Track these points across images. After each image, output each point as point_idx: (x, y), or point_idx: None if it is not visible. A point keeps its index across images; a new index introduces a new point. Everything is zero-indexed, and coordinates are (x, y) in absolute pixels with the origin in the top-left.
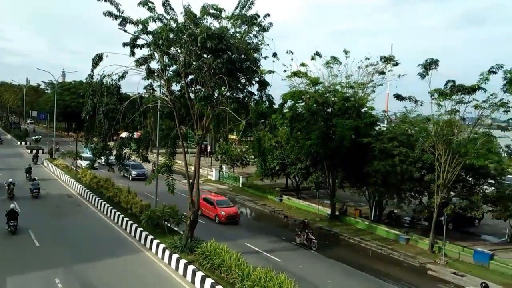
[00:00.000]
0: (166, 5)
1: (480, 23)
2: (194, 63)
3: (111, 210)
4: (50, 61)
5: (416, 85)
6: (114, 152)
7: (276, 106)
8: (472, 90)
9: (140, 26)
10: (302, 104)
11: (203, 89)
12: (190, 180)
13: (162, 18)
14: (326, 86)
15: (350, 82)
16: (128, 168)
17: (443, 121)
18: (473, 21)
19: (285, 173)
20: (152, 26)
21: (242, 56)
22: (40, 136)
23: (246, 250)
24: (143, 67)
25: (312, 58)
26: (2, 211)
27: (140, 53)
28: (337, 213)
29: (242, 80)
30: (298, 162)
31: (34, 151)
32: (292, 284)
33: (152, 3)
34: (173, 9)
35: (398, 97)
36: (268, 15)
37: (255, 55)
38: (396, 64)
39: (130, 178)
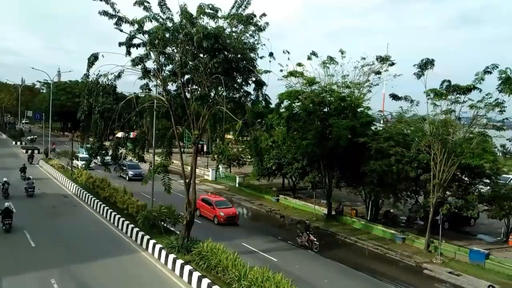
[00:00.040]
0: (162, 4)
1: (475, 23)
2: (190, 62)
3: (107, 210)
4: (45, 61)
5: (412, 85)
6: (110, 152)
7: (272, 106)
8: (467, 90)
9: (136, 26)
10: (299, 104)
11: (199, 89)
12: (187, 180)
13: (158, 17)
14: (323, 86)
15: (346, 82)
16: (124, 168)
17: (439, 121)
18: (468, 21)
19: (281, 173)
20: (148, 25)
21: (239, 55)
22: (36, 136)
23: (243, 250)
24: (139, 66)
25: (309, 58)
26: None
27: (136, 52)
28: (333, 212)
29: (238, 80)
30: (295, 162)
31: (30, 151)
32: (289, 284)
33: (148, 3)
34: (169, 9)
35: (394, 97)
36: (264, 14)
37: (252, 54)
38: (392, 64)
39: (127, 179)
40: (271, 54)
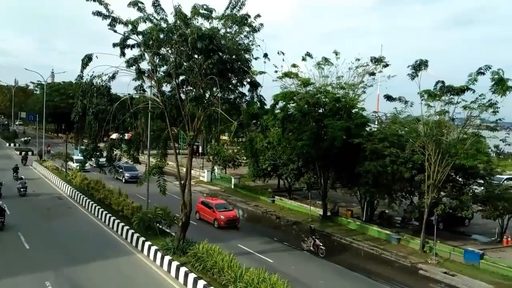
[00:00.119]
0: (156, 5)
1: (467, 24)
2: (185, 63)
3: (102, 212)
4: (38, 62)
5: (406, 86)
6: (105, 154)
7: (267, 107)
8: (461, 91)
9: (130, 27)
10: (294, 105)
11: (194, 90)
12: (182, 182)
13: (152, 18)
14: (317, 87)
15: (341, 83)
16: (121, 170)
17: (433, 122)
18: (461, 23)
19: (277, 174)
20: (142, 26)
21: (233, 56)
22: (30, 138)
23: (239, 251)
24: (134, 67)
25: (303, 59)
26: None
27: (130, 53)
28: (329, 213)
29: (233, 81)
30: (290, 163)
31: (23, 153)
32: (284, 285)
33: (142, 3)
34: (163, 9)
35: (389, 98)
36: (259, 15)
37: (246, 55)
38: (386, 65)
39: (123, 181)
40: (265, 55)
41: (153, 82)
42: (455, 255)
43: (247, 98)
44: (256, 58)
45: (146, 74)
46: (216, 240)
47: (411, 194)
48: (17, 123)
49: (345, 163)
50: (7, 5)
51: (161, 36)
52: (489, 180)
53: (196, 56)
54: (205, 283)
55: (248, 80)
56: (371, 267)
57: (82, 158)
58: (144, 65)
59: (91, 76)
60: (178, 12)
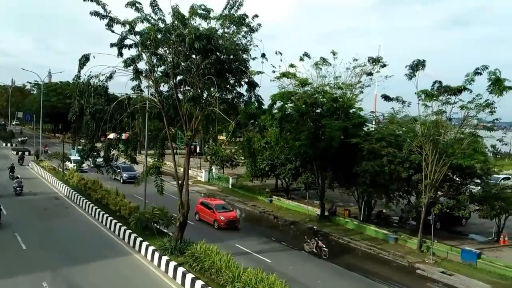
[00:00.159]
0: (154, 5)
1: (466, 24)
2: (182, 63)
3: (99, 212)
4: (35, 61)
5: (403, 86)
6: (102, 154)
7: (265, 107)
8: (458, 91)
9: (128, 27)
10: (291, 105)
11: (191, 90)
12: (180, 182)
13: (149, 18)
14: (315, 87)
15: (338, 83)
16: (119, 170)
17: (430, 122)
18: (459, 23)
19: (274, 174)
20: (140, 26)
21: (231, 56)
22: (26, 138)
23: (237, 251)
24: (131, 67)
25: (301, 59)
26: None
27: (128, 53)
28: (326, 213)
29: (231, 81)
30: (288, 163)
31: (20, 153)
32: (282, 285)
33: (140, 4)
34: (160, 10)
35: (386, 97)
36: (256, 16)
37: (244, 56)
38: (384, 65)
39: (121, 181)
40: (263, 55)
41: (150, 82)
42: (453, 254)
43: (245, 98)
44: (254, 58)
45: (143, 74)
46: (214, 240)
47: (408, 193)
48: (14, 123)
49: (342, 163)
50: (5, 5)
51: (159, 36)
52: (486, 179)
53: (194, 56)
54: (203, 283)
55: (246, 80)
56: (368, 266)
57: (79, 158)
58: (142, 65)
59: (88, 76)
60: (176, 12)
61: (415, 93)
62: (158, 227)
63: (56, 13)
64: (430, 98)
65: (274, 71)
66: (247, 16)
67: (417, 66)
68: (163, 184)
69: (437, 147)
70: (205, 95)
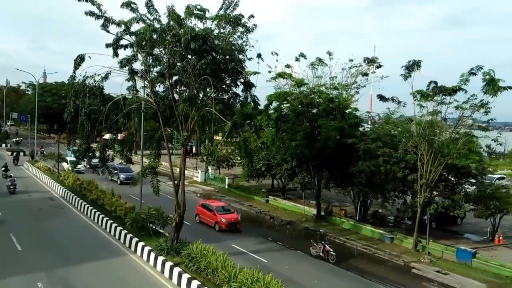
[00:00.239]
0: (149, 5)
1: (460, 25)
2: (178, 64)
3: (94, 212)
4: (30, 62)
5: (399, 86)
6: (97, 154)
7: (261, 107)
8: (453, 91)
9: (123, 27)
10: (287, 105)
11: (187, 90)
12: (176, 182)
13: (145, 19)
14: (311, 87)
15: (334, 84)
16: (116, 171)
17: (425, 122)
18: (454, 24)
19: (271, 174)
20: (136, 26)
21: (227, 57)
22: (21, 138)
23: (233, 251)
24: (127, 68)
25: (297, 60)
26: None
27: (123, 53)
28: (322, 213)
29: (227, 81)
30: (284, 163)
31: (15, 153)
32: (278, 285)
33: (135, 4)
34: (156, 10)
35: (382, 98)
36: (252, 16)
37: (240, 56)
38: (379, 66)
39: (119, 182)
40: (259, 55)
41: (146, 83)
42: (448, 254)
43: (241, 98)
44: (249, 59)
45: (139, 75)
46: (210, 240)
47: (404, 193)
48: (8, 123)
49: (338, 163)
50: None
51: (154, 36)
52: (481, 179)
53: (189, 56)
54: (199, 283)
55: (242, 80)
56: (364, 266)
57: (75, 159)
58: (137, 66)
59: (83, 77)
60: (172, 13)
61: (411, 93)
62: (154, 227)
63: (51, 13)
64: (426, 98)
65: (270, 72)
66: (243, 16)
67: (412, 66)
68: (159, 185)
69: (432, 147)
70: (201, 95)
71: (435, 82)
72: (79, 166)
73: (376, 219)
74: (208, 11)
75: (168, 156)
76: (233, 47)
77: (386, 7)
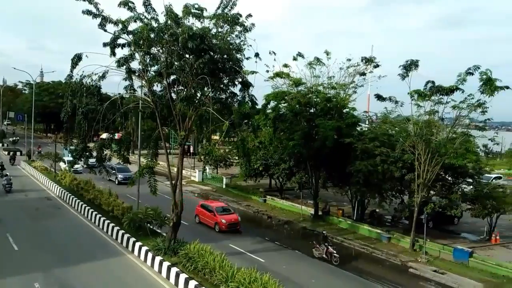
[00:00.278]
0: (146, 4)
1: (460, 24)
2: (176, 63)
3: (92, 212)
4: (27, 61)
5: (397, 86)
6: (95, 154)
7: (259, 106)
8: (450, 91)
9: (120, 26)
10: (285, 104)
11: (185, 90)
12: (173, 182)
13: (142, 18)
14: (309, 86)
15: (332, 83)
16: (114, 172)
17: (423, 122)
18: (452, 24)
19: (268, 173)
20: (133, 26)
21: (225, 56)
22: (18, 138)
23: (230, 251)
24: (124, 67)
25: (294, 59)
26: None
27: (121, 53)
28: (320, 213)
29: (224, 81)
30: (282, 163)
31: (12, 153)
32: (276, 284)
33: (133, 3)
34: (154, 9)
35: (379, 97)
36: (250, 15)
37: (238, 55)
38: (377, 65)
39: (117, 183)
40: (257, 55)
41: (143, 82)
42: (445, 253)
43: (238, 97)
44: (247, 58)
45: (136, 74)
46: (207, 240)
47: (401, 193)
48: (5, 123)
49: (336, 162)
50: None
51: (152, 35)
52: (478, 179)
53: (187, 55)
54: (197, 283)
55: (240, 79)
56: (362, 265)
57: (72, 158)
58: (135, 65)
59: (81, 76)
60: (169, 12)
61: (408, 93)
62: (151, 227)
63: (49, 12)
64: (423, 98)
65: (268, 71)
66: (240, 16)
67: (410, 66)
68: (156, 184)
69: (429, 147)
70: (198, 94)
71: (433, 82)
72: (77, 166)
73: (373, 219)
74: (206, 10)
75: (166, 155)
76: (231, 47)
77: (386, 7)
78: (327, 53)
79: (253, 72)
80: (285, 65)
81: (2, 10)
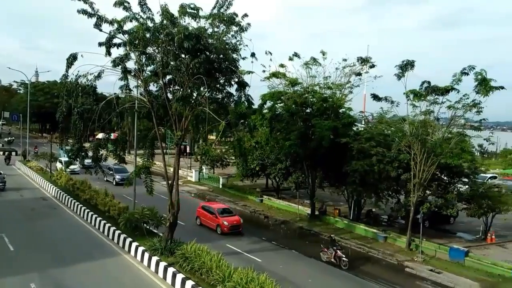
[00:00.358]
0: (142, 4)
1: (453, 25)
2: (171, 63)
3: (88, 212)
4: (22, 61)
5: (393, 87)
6: (90, 154)
7: (255, 106)
8: (445, 91)
9: (116, 25)
10: (281, 104)
11: (181, 90)
12: (170, 182)
13: (138, 17)
14: (305, 87)
15: (328, 83)
16: (111, 172)
17: (418, 122)
18: (447, 24)
19: (265, 173)
20: (129, 25)
21: (221, 56)
22: (13, 138)
23: (227, 251)
24: (120, 67)
25: (290, 59)
26: None
27: (116, 52)
28: (317, 212)
29: (221, 81)
30: (278, 163)
31: (7, 153)
32: (273, 284)
33: (128, 3)
34: (149, 9)
35: (375, 97)
36: (246, 15)
37: (234, 55)
38: (373, 66)
39: (114, 183)
40: (253, 55)
41: (139, 82)
42: (441, 252)
43: (234, 97)
44: (243, 58)
45: (132, 74)
46: (204, 240)
47: (397, 192)
48: (0, 123)
49: (332, 162)
50: None
51: (147, 35)
52: (474, 178)
53: (183, 55)
54: (193, 283)
55: (236, 79)
56: (358, 265)
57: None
58: (131, 65)
59: (76, 76)
60: (165, 11)
61: (404, 93)
62: (148, 227)
63: (43, 12)
64: (419, 98)
65: (264, 71)
66: (236, 15)
67: (406, 66)
68: (152, 184)
69: (425, 147)
70: (194, 94)
71: (428, 82)
72: (74, 166)
73: (369, 218)
74: (202, 9)
75: (162, 155)
76: (227, 46)
77: (381, 7)
78: (323, 53)
79: (249, 72)
80: (281, 65)
81: None
